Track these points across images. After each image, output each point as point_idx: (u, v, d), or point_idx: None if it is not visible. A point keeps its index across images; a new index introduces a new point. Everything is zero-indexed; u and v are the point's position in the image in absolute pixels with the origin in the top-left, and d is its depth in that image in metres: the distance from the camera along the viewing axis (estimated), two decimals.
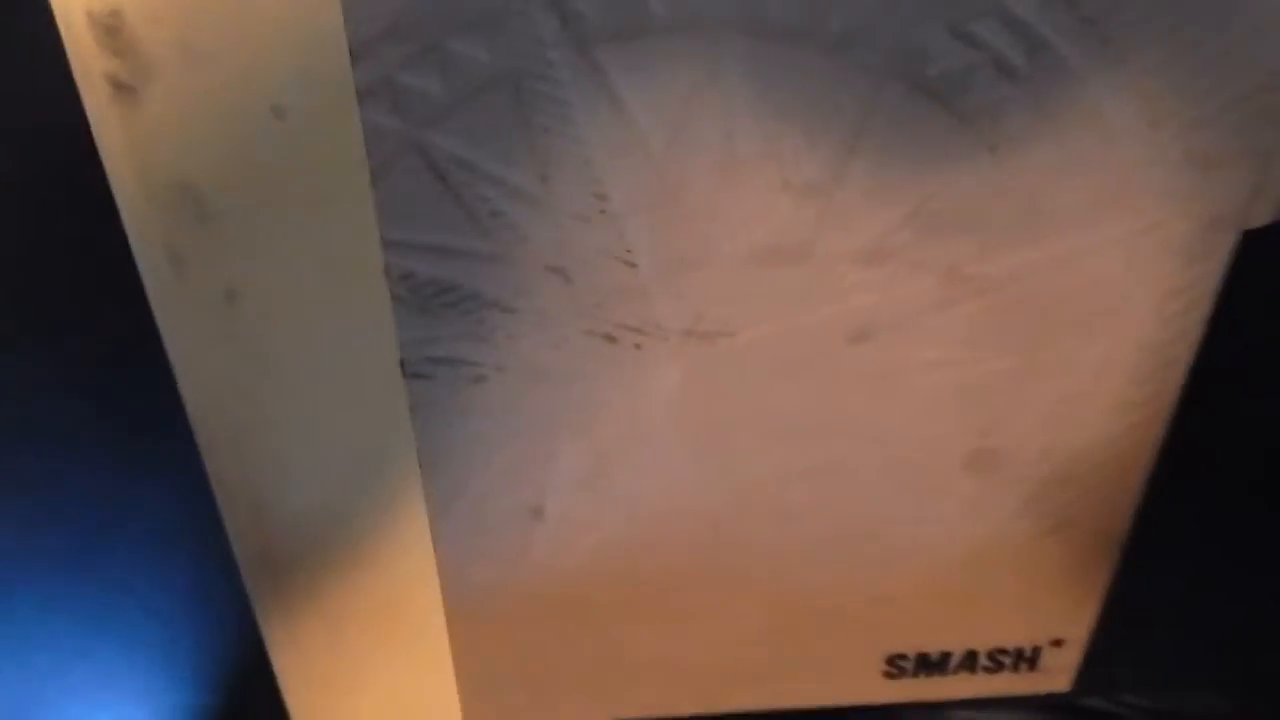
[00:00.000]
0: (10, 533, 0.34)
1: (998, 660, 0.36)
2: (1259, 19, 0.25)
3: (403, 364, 0.29)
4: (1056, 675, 0.37)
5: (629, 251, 0.28)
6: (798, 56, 0.25)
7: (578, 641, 0.34)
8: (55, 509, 0.36)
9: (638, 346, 0.29)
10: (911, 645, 0.36)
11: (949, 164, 0.27)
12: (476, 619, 0.33)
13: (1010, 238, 0.28)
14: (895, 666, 0.36)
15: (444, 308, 0.28)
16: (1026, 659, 0.36)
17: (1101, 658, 0.35)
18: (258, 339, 0.28)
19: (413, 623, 0.34)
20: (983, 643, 0.36)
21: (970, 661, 0.36)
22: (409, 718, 0.36)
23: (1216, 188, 0.27)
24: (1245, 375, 0.36)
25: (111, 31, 0.24)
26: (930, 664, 0.36)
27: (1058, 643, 0.36)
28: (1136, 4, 0.25)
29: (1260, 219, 0.28)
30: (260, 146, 0.25)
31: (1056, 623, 0.36)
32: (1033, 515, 0.33)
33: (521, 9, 0.24)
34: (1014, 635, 0.36)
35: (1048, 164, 0.27)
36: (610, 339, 0.29)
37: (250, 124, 0.25)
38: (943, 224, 0.27)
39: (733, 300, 0.28)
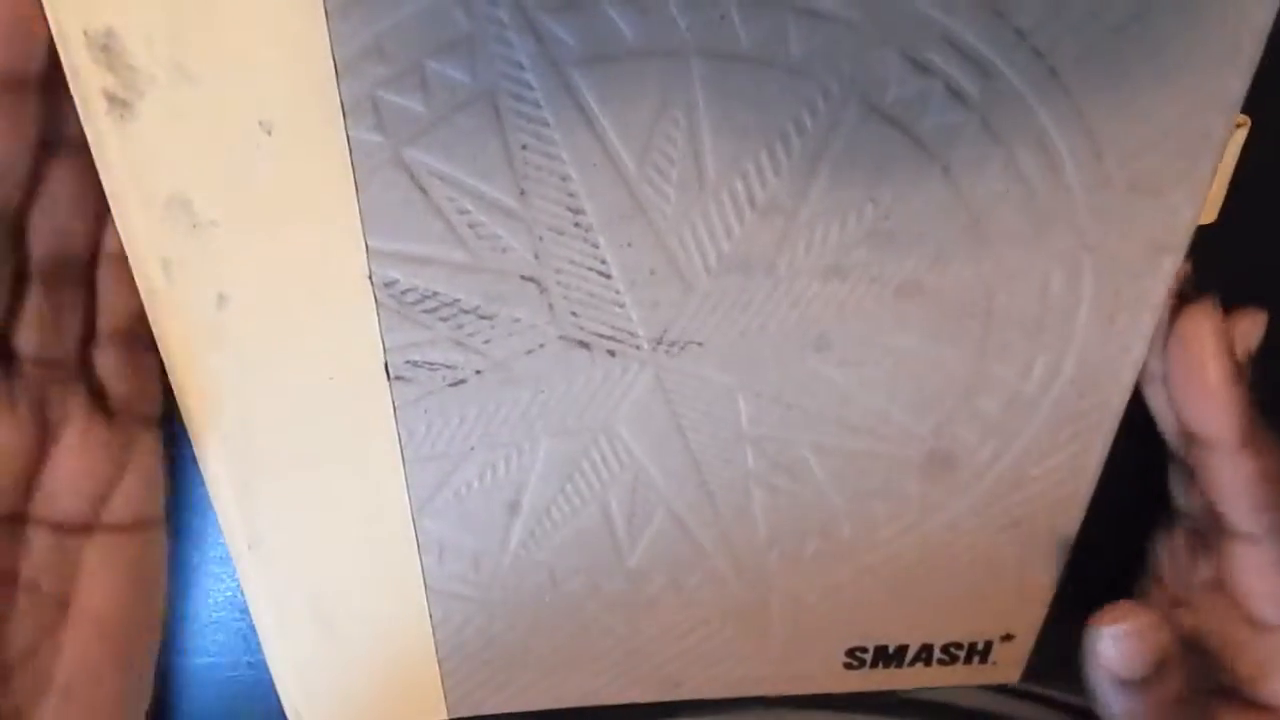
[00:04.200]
0: None
1: (952, 654, 0.37)
2: (1190, 45, 0.26)
3: (386, 367, 0.30)
4: (1007, 668, 0.38)
5: (603, 263, 0.29)
6: (761, 80, 0.26)
7: (552, 628, 0.35)
8: None
9: (610, 353, 0.30)
10: (870, 639, 0.37)
11: (904, 183, 0.28)
12: (457, 606, 0.35)
13: (961, 253, 0.29)
14: (854, 658, 0.37)
15: (424, 313, 0.29)
16: (979, 652, 0.37)
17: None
18: (247, 340, 0.29)
19: (397, 609, 0.35)
20: (938, 637, 0.37)
21: (926, 655, 0.37)
22: (394, 695, 0.37)
23: (1158, 212, 0.28)
24: None
25: (106, 49, 0.25)
26: (888, 657, 0.37)
27: (1008, 637, 0.37)
28: (1082, 37, 0.26)
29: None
30: (249, 159, 0.26)
31: (1007, 618, 0.37)
32: (986, 514, 0.34)
33: (499, 33, 0.25)
34: (967, 630, 0.37)
35: (997, 185, 0.28)
36: (584, 345, 0.30)
37: (239, 138, 0.26)
38: (897, 240, 0.29)
39: (701, 311, 0.30)
